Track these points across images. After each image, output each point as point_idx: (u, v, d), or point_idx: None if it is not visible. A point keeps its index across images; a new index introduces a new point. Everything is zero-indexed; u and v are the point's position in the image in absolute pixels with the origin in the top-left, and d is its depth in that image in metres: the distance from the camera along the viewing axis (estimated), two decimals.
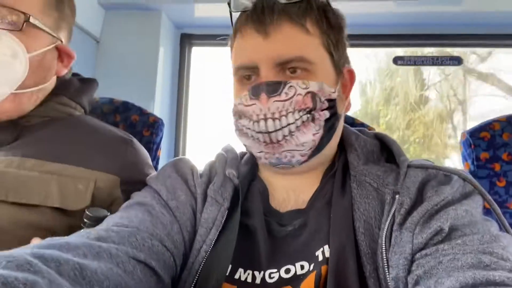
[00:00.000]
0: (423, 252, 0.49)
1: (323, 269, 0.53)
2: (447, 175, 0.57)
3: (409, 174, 0.57)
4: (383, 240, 0.52)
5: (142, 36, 1.46)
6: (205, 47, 1.68)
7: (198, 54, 1.66)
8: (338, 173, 0.62)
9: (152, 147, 0.97)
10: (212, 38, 1.58)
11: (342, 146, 0.67)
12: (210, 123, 2.21)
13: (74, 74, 0.84)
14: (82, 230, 0.57)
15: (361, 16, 1.41)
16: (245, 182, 0.65)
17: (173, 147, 1.55)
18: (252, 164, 0.69)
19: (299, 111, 0.57)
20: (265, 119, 0.57)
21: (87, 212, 0.59)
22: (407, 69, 3.22)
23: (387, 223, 0.53)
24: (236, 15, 0.65)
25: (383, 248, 0.52)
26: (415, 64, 1.55)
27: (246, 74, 0.61)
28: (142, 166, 0.74)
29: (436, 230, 0.49)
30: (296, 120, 0.57)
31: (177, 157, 0.73)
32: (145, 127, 0.97)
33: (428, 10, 1.39)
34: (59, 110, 0.74)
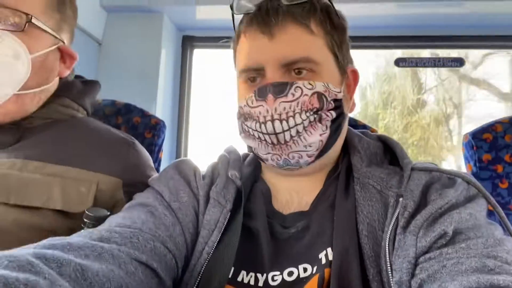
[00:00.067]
0: (427, 255, 0.48)
1: (326, 272, 0.53)
2: (451, 178, 0.57)
3: (413, 176, 0.57)
4: (387, 243, 0.52)
5: (144, 38, 1.46)
6: (206, 49, 1.69)
7: (200, 56, 1.66)
8: (342, 175, 0.62)
9: (154, 149, 0.96)
10: (213, 40, 1.58)
11: (346, 148, 0.66)
12: (211, 125, 2.21)
13: (77, 76, 0.84)
14: (82, 230, 0.57)
15: (362, 18, 1.41)
16: (247, 184, 0.65)
17: (175, 149, 1.55)
18: (255, 166, 0.69)
19: (306, 111, 0.57)
20: (272, 120, 0.57)
21: (87, 212, 0.58)
22: (404, 74, 3.28)
23: (391, 226, 0.53)
24: (237, 18, 0.65)
25: (387, 251, 0.51)
26: (416, 65, 1.55)
27: (251, 76, 0.61)
28: (144, 168, 0.74)
29: (440, 233, 0.49)
30: (303, 120, 0.57)
31: (180, 159, 0.73)
32: (147, 129, 0.97)
33: (429, 12, 1.39)
34: (62, 112, 0.74)
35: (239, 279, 0.56)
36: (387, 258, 0.51)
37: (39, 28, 0.67)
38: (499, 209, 0.54)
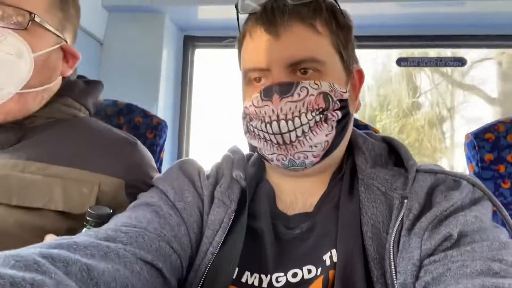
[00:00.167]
0: (432, 258, 0.48)
1: (330, 274, 0.53)
2: (456, 180, 0.56)
3: (418, 178, 0.56)
4: (391, 245, 0.52)
5: (145, 38, 1.46)
6: (208, 49, 1.69)
7: (202, 56, 1.66)
8: (346, 177, 0.62)
9: (156, 149, 0.96)
10: (215, 40, 1.58)
11: (350, 149, 0.66)
12: (213, 125, 2.21)
13: (80, 77, 0.83)
14: (84, 228, 0.57)
15: (364, 17, 1.41)
16: (252, 184, 0.65)
17: (177, 149, 1.55)
18: (259, 166, 0.69)
19: (312, 111, 0.57)
20: (278, 120, 0.57)
21: (89, 210, 0.58)
22: (400, 79, 3.34)
23: (395, 228, 0.53)
24: (241, 18, 0.64)
25: (391, 253, 0.51)
26: (418, 65, 1.56)
27: (256, 76, 0.61)
28: (146, 169, 0.74)
29: (445, 236, 0.49)
30: (309, 120, 0.56)
31: (184, 158, 0.72)
32: (148, 129, 0.97)
33: (431, 11, 1.38)
34: (64, 111, 0.74)
35: (243, 280, 0.56)
36: (392, 260, 0.51)
37: (42, 26, 0.67)
38: (505, 212, 0.54)
